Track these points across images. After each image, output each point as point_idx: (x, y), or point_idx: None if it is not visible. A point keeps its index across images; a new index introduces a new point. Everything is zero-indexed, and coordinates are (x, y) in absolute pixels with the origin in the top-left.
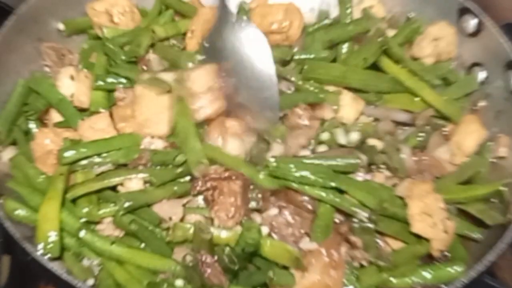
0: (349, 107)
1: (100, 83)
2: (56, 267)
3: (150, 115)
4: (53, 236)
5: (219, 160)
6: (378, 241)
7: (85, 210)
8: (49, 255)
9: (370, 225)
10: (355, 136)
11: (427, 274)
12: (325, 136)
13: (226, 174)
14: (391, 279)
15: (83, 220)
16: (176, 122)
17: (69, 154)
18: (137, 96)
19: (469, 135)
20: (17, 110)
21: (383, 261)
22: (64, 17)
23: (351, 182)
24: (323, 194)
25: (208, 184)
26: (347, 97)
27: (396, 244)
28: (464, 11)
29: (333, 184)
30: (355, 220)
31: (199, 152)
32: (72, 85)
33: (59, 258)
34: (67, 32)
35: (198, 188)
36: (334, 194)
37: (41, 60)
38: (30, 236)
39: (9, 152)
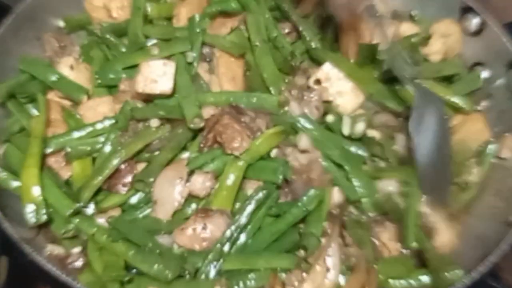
0: (348, 97)
1: (101, 81)
2: (54, 268)
3: (155, 76)
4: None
5: (211, 103)
6: (375, 241)
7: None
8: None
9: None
10: (360, 127)
11: (425, 278)
12: (330, 118)
13: (211, 121)
14: (390, 281)
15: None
16: (176, 79)
17: None
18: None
19: (473, 134)
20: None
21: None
22: (63, 14)
23: (360, 171)
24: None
25: (210, 136)
26: (347, 86)
27: (393, 245)
28: (466, 10)
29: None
30: (346, 213)
31: (195, 107)
32: (71, 74)
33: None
34: (67, 29)
35: (205, 145)
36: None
37: (41, 54)
38: (29, 237)
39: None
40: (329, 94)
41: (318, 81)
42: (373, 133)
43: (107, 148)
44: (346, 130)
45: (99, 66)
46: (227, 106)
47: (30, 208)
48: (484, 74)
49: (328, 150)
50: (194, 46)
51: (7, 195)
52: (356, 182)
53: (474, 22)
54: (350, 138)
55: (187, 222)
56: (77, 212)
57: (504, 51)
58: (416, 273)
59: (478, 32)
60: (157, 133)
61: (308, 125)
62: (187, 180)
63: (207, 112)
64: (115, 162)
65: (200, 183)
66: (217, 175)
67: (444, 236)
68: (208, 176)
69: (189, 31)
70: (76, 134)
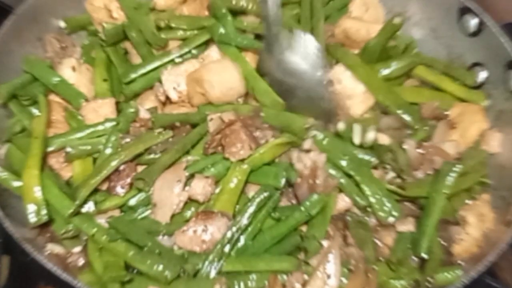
0: (359, 99)
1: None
2: (55, 267)
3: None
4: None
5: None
6: (378, 242)
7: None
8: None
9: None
10: (371, 136)
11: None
12: (341, 126)
13: (224, 124)
14: (391, 281)
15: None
16: None
17: None
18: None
19: (472, 125)
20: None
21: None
22: (64, 15)
23: (371, 179)
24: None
25: (217, 137)
26: (359, 89)
27: None
28: (464, 11)
29: (352, 173)
30: (349, 213)
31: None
32: (73, 76)
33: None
34: (68, 29)
35: (211, 146)
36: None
37: (42, 55)
38: (30, 237)
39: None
40: (340, 98)
41: (329, 83)
42: (383, 139)
43: (108, 150)
44: (357, 140)
45: (102, 66)
46: (247, 116)
47: (31, 208)
48: (483, 74)
49: (337, 159)
50: (227, 28)
51: (8, 194)
52: (368, 191)
53: (472, 23)
54: (360, 146)
55: (188, 224)
56: (78, 213)
57: (502, 51)
58: (416, 273)
59: (476, 33)
60: (158, 137)
61: (317, 134)
62: (187, 185)
63: (226, 116)
64: (113, 163)
65: (201, 188)
66: (217, 180)
67: (472, 233)
68: (208, 181)
69: (215, 14)
70: (77, 135)
